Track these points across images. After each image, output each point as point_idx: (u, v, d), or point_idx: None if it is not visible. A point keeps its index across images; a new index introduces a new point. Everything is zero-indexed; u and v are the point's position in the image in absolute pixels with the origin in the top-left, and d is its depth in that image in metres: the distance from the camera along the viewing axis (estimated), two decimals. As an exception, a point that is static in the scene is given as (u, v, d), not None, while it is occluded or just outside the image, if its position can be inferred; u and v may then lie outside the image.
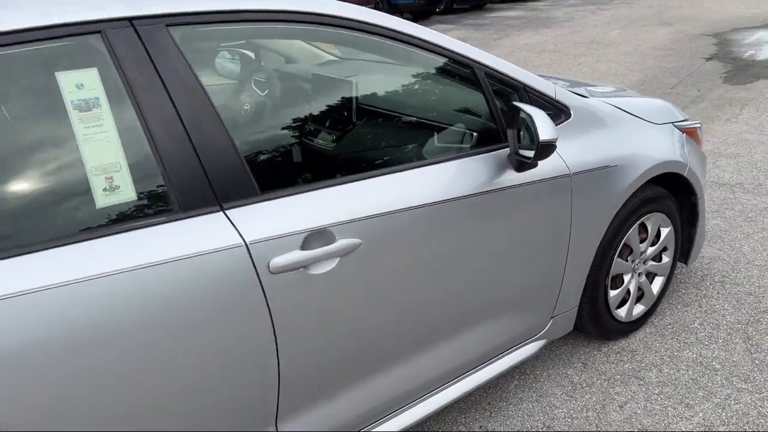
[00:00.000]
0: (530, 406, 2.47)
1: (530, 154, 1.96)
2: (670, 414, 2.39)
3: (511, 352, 2.36)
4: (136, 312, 1.43)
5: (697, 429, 2.30)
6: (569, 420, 2.38)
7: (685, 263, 3.03)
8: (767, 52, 8.77)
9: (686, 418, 2.36)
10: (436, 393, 2.16)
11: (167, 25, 1.58)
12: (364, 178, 1.82)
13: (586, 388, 2.54)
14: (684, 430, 2.30)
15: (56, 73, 1.43)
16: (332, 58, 3.16)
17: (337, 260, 1.71)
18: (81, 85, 1.45)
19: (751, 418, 2.33)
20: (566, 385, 2.57)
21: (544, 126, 1.90)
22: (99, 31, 1.50)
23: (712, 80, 7.36)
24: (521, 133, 2.04)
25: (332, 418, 1.88)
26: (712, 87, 7.06)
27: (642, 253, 2.74)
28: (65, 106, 1.43)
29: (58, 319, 1.34)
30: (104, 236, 1.43)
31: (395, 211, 1.81)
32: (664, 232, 2.80)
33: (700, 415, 2.37)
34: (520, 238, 2.15)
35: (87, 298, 1.37)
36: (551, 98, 2.27)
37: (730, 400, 2.43)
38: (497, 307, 2.20)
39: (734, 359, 2.66)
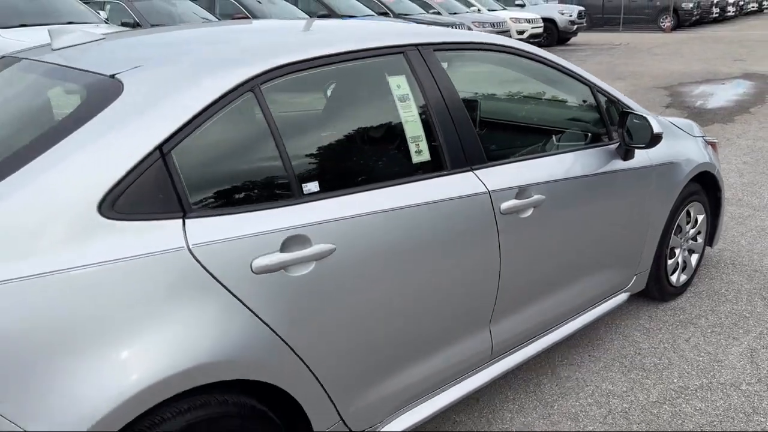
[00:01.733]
0: (620, 343, 3.28)
1: (642, 144, 2.83)
2: (723, 344, 3.24)
3: (607, 300, 3.18)
4: (432, 228, 2.19)
5: (746, 352, 3.16)
6: (652, 350, 3.21)
7: (710, 245, 3.94)
8: (713, 102, 10.10)
9: (736, 345, 3.23)
10: (563, 325, 2.94)
11: (434, 50, 2.40)
12: (539, 157, 2.65)
13: (657, 331, 3.38)
14: (737, 352, 3.15)
15: (387, 77, 2.23)
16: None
17: (532, 209, 2.52)
18: (399, 85, 2.26)
19: (783, 342, 3.21)
20: (642, 330, 3.40)
21: (655, 124, 2.79)
22: (402, 52, 2.31)
23: (676, 123, 8.54)
24: (624, 133, 2.92)
25: (517, 326, 2.65)
26: (677, 129, 8.21)
27: (686, 233, 3.63)
28: (394, 98, 2.22)
29: (392, 229, 2.09)
30: (416, 181, 2.20)
31: (559, 180, 2.64)
32: (700, 218, 3.71)
33: (745, 343, 3.24)
34: (622, 210, 3.01)
35: (408, 217, 2.12)
36: (635, 111, 3.16)
37: (764, 334, 3.31)
38: (604, 262, 3.03)
39: (758, 311, 3.55)
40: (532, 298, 2.67)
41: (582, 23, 21.24)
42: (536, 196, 2.52)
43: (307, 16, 13.51)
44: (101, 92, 1.74)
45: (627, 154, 2.97)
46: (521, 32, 18.38)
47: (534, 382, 2.96)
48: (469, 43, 2.59)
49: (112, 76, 1.80)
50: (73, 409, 1.45)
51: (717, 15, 33.56)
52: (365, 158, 2.13)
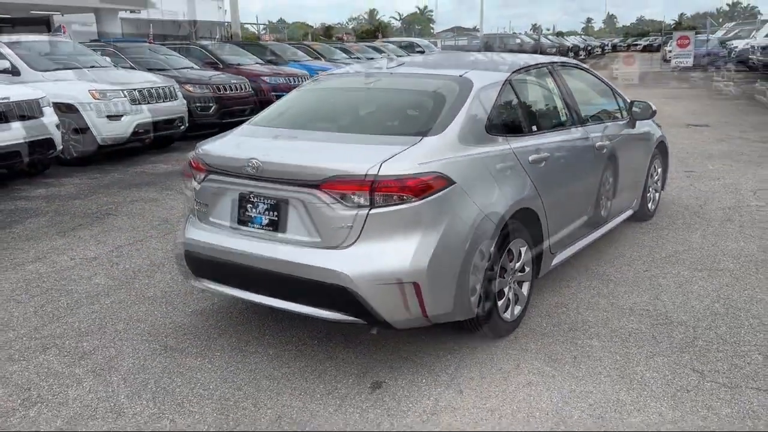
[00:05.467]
0: (631, 239, 5.58)
1: (646, 117, 5.20)
2: (688, 234, 5.63)
3: (625, 212, 5.49)
4: (574, 153, 4.38)
5: (701, 236, 5.56)
6: (651, 240, 5.52)
7: (662, 189, 6.39)
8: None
9: (695, 234, 5.62)
10: (611, 221, 5.19)
11: (557, 66, 4.64)
12: (599, 123, 4.93)
13: (649, 233, 5.71)
14: (696, 236, 5.55)
15: (546, 78, 4.44)
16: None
17: (605, 149, 4.77)
18: (549, 82, 4.46)
19: (744, 219, 5.66)
20: (640, 233, 5.72)
21: (653, 106, 5.16)
22: (547, 66, 4.53)
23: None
24: (631, 113, 5.29)
25: (602, 212, 4.87)
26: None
27: (654, 178, 6.05)
28: (550, 88, 4.43)
29: (562, 151, 4.27)
30: (563, 129, 4.40)
31: (612, 135, 4.93)
32: (659, 170, 6.15)
33: (699, 232, 5.65)
34: (633, 157, 5.34)
35: (567, 146, 4.31)
36: (638, 100, 5.49)
37: (707, 231, 5.74)
38: (628, 186, 5.33)
39: (698, 222, 6.00)
40: (607, 198, 4.90)
41: (473, 65, 24.33)
42: (606, 142, 4.79)
43: (258, 59, 15.49)
44: (463, 84, 3.79)
45: (634, 125, 5.33)
46: (428, 73, 21.08)
47: (596, 255, 5.18)
48: (567, 63, 4.87)
49: (461, 76, 3.87)
50: (491, 208, 3.49)
51: (572, 56, 38.53)
52: (548, 117, 4.31)
